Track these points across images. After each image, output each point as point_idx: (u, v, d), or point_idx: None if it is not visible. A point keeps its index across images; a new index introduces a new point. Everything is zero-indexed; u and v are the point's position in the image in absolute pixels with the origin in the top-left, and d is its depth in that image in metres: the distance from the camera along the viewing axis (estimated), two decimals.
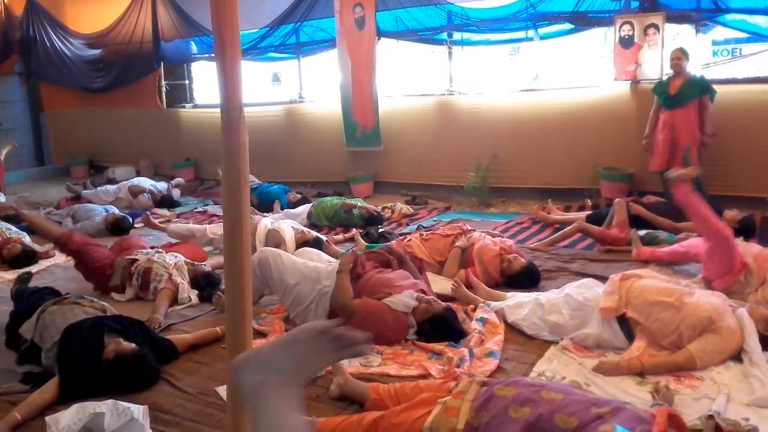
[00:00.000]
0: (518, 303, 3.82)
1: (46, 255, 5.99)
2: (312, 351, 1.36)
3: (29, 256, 5.79)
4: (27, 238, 6.11)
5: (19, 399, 3.10)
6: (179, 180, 9.13)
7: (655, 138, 6.31)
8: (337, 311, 3.74)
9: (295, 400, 1.32)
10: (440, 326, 3.61)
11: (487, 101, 7.82)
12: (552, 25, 7.39)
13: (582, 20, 7.10)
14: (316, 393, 3.10)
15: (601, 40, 7.86)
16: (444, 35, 8.06)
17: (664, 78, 6.38)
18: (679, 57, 6.09)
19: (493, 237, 4.97)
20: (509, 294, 4.10)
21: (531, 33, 7.50)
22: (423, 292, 3.84)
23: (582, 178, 7.06)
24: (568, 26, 7.30)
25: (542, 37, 7.51)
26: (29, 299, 3.86)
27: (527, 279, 4.43)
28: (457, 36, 8.06)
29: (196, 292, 4.70)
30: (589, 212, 6.20)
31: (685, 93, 6.05)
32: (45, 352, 3.37)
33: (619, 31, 6.74)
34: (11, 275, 5.44)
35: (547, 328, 3.57)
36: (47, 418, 2.79)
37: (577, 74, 8.30)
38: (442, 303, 3.74)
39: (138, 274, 4.74)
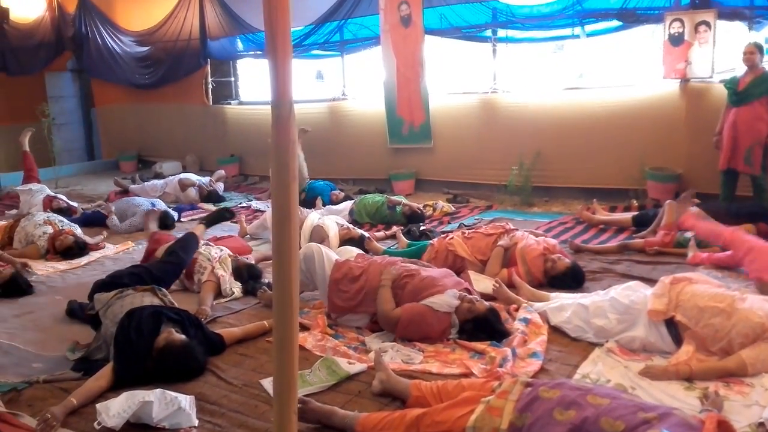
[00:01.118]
0: (561, 305, 3.77)
1: (97, 247, 6.15)
2: None
3: (80, 248, 5.96)
4: (78, 230, 6.29)
5: (71, 386, 3.20)
6: (220, 173, 9.25)
7: (723, 136, 6.08)
8: (380, 321, 3.76)
9: None
10: (483, 326, 3.60)
11: (531, 99, 7.74)
12: (599, 22, 7.28)
13: (630, 17, 6.97)
14: (358, 388, 3.12)
15: (649, 37, 7.69)
16: (488, 33, 8.00)
17: (734, 75, 6.06)
18: (753, 51, 5.74)
19: (537, 237, 4.93)
20: (552, 294, 4.06)
21: (577, 30, 7.40)
22: (467, 291, 3.83)
23: (628, 178, 6.93)
24: (615, 23, 7.18)
25: (589, 35, 7.40)
26: (123, 275, 4.02)
27: (571, 280, 4.38)
28: (501, 33, 7.99)
29: (239, 284, 4.77)
30: (635, 213, 6.10)
31: (751, 90, 5.74)
32: (105, 326, 3.51)
33: (669, 29, 6.59)
34: (64, 266, 5.63)
35: (592, 332, 3.53)
36: (98, 405, 2.88)
37: (622, 72, 8.13)
38: (486, 303, 3.72)
39: None
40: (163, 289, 3.96)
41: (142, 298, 3.68)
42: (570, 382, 2.56)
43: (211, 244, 5.16)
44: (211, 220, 5.19)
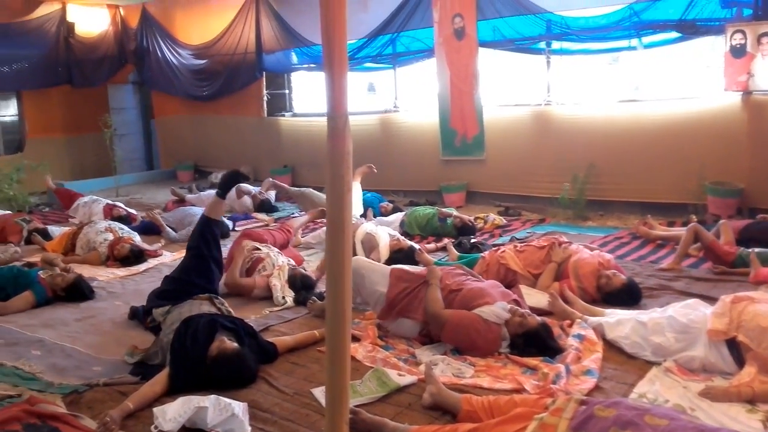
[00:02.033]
0: (619, 320, 3.69)
1: (155, 254, 6.32)
2: None
3: (137, 255, 6.12)
4: (137, 238, 6.48)
5: (129, 390, 3.28)
6: (268, 181, 9.25)
7: None
8: (429, 321, 3.75)
9: None
10: (534, 342, 3.54)
11: (586, 112, 7.62)
12: (657, 34, 7.13)
13: (690, 28, 6.80)
14: (408, 401, 3.12)
15: (708, 49, 7.49)
16: (542, 44, 7.93)
17: None
18: None
19: (591, 251, 4.83)
20: (607, 311, 3.98)
21: (634, 42, 7.26)
22: (517, 303, 3.79)
23: (686, 193, 6.74)
24: (673, 35, 7.02)
25: (646, 46, 7.25)
26: (182, 288, 4.03)
27: (627, 297, 4.27)
28: (555, 45, 7.91)
29: (292, 293, 4.84)
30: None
31: None
32: (164, 331, 3.62)
33: (730, 40, 6.40)
34: (123, 272, 5.81)
35: (650, 349, 3.44)
36: (155, 410, 2.95)
37: (680, 84, 7.94)
38: (538, 318, 3.67)
39: (250, 260, 5.09)
40: (220, 298, 4.05)
41: (200, 307, 3.76)
42: (626, 402, 2.50)
43: (280, 252, 5.34)
44: (224, 184, 4.42)
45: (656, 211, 6.76)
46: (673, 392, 3.08)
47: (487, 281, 4.05)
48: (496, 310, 3.62)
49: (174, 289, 4.03)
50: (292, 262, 5.27)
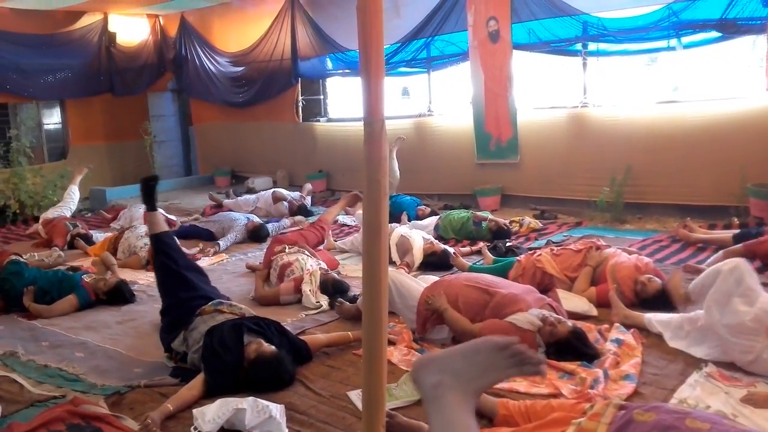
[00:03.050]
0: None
1: (194, 258, 6.42)
2: (490, 363, 1.46)
3: None
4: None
5: (169, 391, 3.35)
6: (308, 186, 9.44)
7: None
8: (460, 338, 3.72)
9: (470, 405, 1.41)
10: (567, 350, 3.47)
11: (623, 113, 7.52)
12: (696, 34, 6.99)
13: (730, 28, 6.66)
14: None
15: (749, 48, 7.33)
16: (578, 46, 7.85)
17: None
18: None
19: (630, 254, 4.76)
20: (646, 315, 3.92)
21: (673, 42, 7.14)
22: (552, 308, 3.73)
23: (728, 195, 6.59)
24: (714, 34, 6.88)
25: (685, 47, 7.12)
26: (178, 310, 3.92)
27: (662, 302, 4.14)
28: (592, 47, 7.82)
29: (326, 298, 4.87)
30: (736, 231, 5.78)
31: None
32: (190, 354, 3.60)
33: None
34: None
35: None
36: (194, 411, 3.01)
37: (720, 85, 7.78)
38: (569, 324, 3.55)
39: (276, 265, 5.15)
40: (230, 303, 3.98)
41: (214, 318, 3.70)
42: (667, 406, 2.45)
43: (308, 254, 5.35)
44: (143, 197, 4.27)
45: (696, 214, 6.63)
46: (715, 398, 3.02)
47: (521, 286, 4.00)
48: (529, 317, 3.56)
49: (173, 317, 3.87)
50: (323, 265, 5.27)
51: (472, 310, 3.79)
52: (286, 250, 5.36)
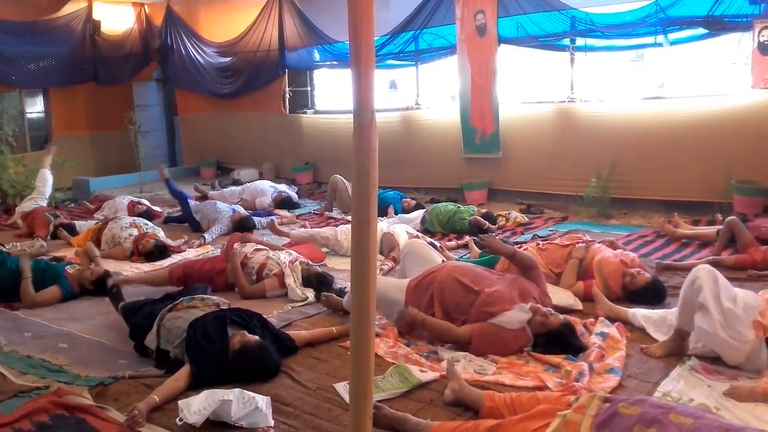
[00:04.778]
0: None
1: (178, 249, 6.39)
2: None
3: (162, 251, 6.19)
4: (161, 234, 6.55)
5: (154, 383, 3.33)
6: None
7: None
8: (451, 343, 3.71)
9: None
10: (557, 340, 3.51)
11: (610, 109, 7.56)
12: (683, 30, 7.04)
13: (717, 25, 6.71)
14: (430, 397, 3.12)
15: (735, 45, 7.39)
16: (566, 41, 7.87)
17: None
18: None
19: (615, 249, 4.80)
20: (630, 310, 3.96)
21: (660, 38, 7.18)
22: (536, 299, 3.73)
23: (712, 191, 6.66)
24: (700, 31, 6.92)
25: (672, 43, 7.16)
26: (141, 313, 3.96)
27: (652, 296, 4.22)
28: (580, 42, 7.85)
29: (311, 290, 4.85)
30: (720, 227, 5.84)
31: None
32: (173, 350, 3.55)
33: (758, 37, 6.32)
34: (148, 267, 5.88)
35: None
36: (180, 402, 2.99)
37: (706, 82, 7.84)
38: (560, 317, 3.62)
39: (252, 273, 5.02)
40: (201, 295, 3.98)
41: (190, 312, 3.67)
42: (651, 399, 2.48)
43: (278, 251, 5.27)
44: (113, 301, 4.54)
45: (681, 210, 6.68)
46: (698, 391, 3.05)
47: (508, 278, 3.98)
48: (515, 314, 3.56)
49: (141, 324, 3.86)
50: (295, 255, 5.21)
51: (457, 309, 3.77)
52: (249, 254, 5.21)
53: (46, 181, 8.13)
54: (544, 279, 4.00)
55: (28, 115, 11.72)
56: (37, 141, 11.71)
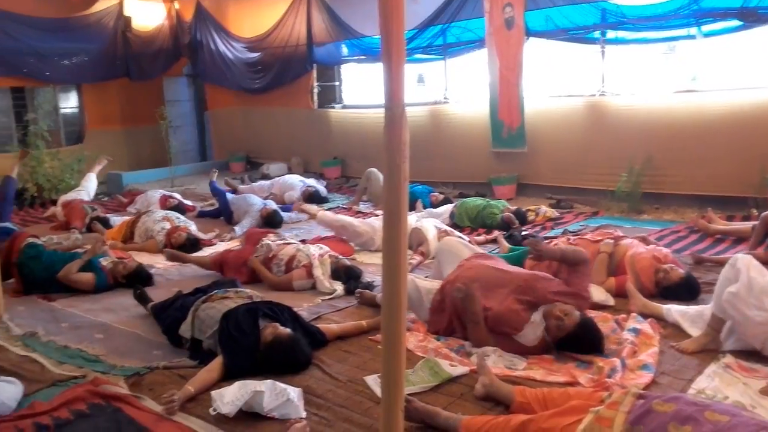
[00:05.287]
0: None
1: (209, 242, 6.47)
2: None
3: (194, 243, 6.27)
4: (193, 227, 6.64)
5: (188, 373, 3.38)
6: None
7: None
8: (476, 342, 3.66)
9: None
10: (576, 343, 3.40)
11: (641, 102, 7.45)
12: (717, 22, 6.90)
13: (752, 16, 6.56)
14: (460, 391, 3.12)
15: None
16: (596, 34, 7.77)
17: None
18: None
19: (647, 245, 4.74)
20: (665, 306, 3.91)
21: (693, 30, 7.05)
22: (561, 294, 3.60)
23: (747, 186, 6.53)
24: (735, 23, 6.78)
25: (706, 35, 7.03)
26: (173, 307, 4.06)
27: (686, 291, 4.16)
28: (611, 34, 7.74)
29: (340, 283, 4.88)
30: (755, 222, 5.73)
31: None
32: (206, 341, 3.61)
33: None
34: None
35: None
36: (213, 393, 3.04)
37: (740, 74, 7.67)
38: (577, 316, 3.41)
39: (281, 264, 5.09)
40: (235, 288, 4.05)
41: (224, 303, 3.73)
42: (686, 397, 2.46)
43: (307, 244, 5.36)
44: (140, 301, 4.63)
45: (715, 205, 6.57)
46: (733, 389, 3.00)
47: (515, 281, 3.77)
48: (529, 335, 3.46)
49: (173, 318, 3.95)
50: (325, 249, 5.25)
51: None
52: (272, 240, 5.32)
53: (91, 181, 8.52)
54: (589, 275, 3.88)
55: (63, 111, 11.94)
56: (71, 136, 11.94)
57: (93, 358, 3.73)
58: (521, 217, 6.57)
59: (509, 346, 3.51)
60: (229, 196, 7.82)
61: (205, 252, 6.20)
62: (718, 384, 3.04)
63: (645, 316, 3.86)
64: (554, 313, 3.42)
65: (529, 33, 7.96)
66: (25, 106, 11.14)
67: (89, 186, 8.43)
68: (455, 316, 3.78)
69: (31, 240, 5.40)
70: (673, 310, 3.84)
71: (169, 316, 3.99)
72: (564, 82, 8.73)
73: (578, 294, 3.68)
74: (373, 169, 8.22)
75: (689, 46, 7.50)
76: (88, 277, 5.04)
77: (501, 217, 6.53)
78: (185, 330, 3.76)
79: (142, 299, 4.55)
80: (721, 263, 4.60)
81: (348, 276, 4.93)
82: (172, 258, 5.75)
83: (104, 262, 5.26)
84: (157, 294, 4.95)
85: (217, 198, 7.93)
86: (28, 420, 2.94)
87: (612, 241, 4.65)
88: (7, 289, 4.89)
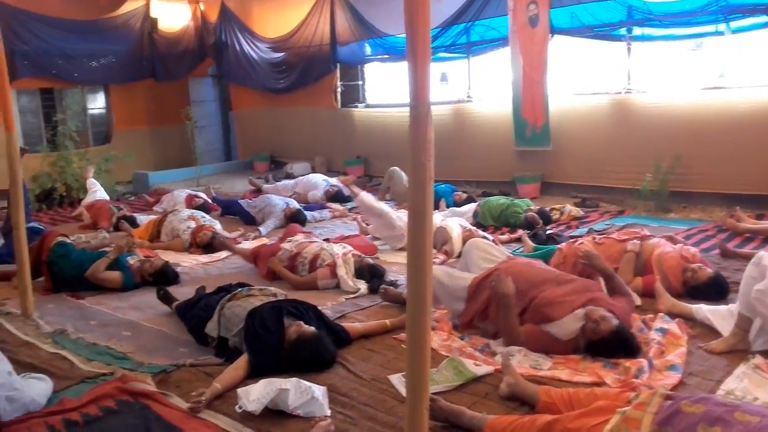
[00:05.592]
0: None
1: (234, 241, 6.51)
2: None
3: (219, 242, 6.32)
4: (218, 226, 6.70)
5: (214, 371, 3.41)
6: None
7: None
8: (504, 337, 3.65)
9: None
10: (607, 349, 3.34)
11: (668, 100, 7.35)
12: (745, 18, 6.78)
13: None
14: (485, 390, 3.11)
15: None
16: (622, 31, 7.69)
17: None
18: None
19: (674, 244, 4.67)
20: (694, 306, 3.85)
21: (721, 27, 6.93)
22: (597, 301, 3.57)
23: None
24: (763, 19, 6.65)
25: (734, 31, 6.91)
26: (198, 306, 4.09)
27: (714, 291, 4.10)
28: (637, 31, 7.65)
29: (364, 282, 4.89)
30: None
31: None
32: (231, 339, 3.65)
33: None
34: (206, 258, 6.03)
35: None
36: (238, 391, 3.06)
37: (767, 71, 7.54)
38: (614, 322, 3.37)
39: (305, 263, 5.12)
40: (259, 286, 4.11)
41: (249, 301, 3.77)
42: (715, 398, 2.42)
43: (331, 243, 5.38)
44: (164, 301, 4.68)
45: (743, 203, 6.46)
46: (763, 390, 2.96)
47: (570, 281, 3.80)
48: (568, 324, 3.43)
49: (199, 317, 3.98)
50: (349, 248, 5.25)
51: (517, 305, 3.68)
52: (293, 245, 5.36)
53: (95, 184, 8.72)
54: (631, 306, 3.77)
55: (90, 111, 12.14)
56: (99, 136, 12.13)
57: (121, 356, 3.78)
58: (545, 217, 6.52)
59: (539, 339, 3.47)
60: (244, 201, 7.89)
61: None
62: (748, 385, 3.00)
63: (673, 315, 3.82)
64: (594, 315, 3.38)
65: (554, 30, 7.90)
66: (54, 107, 11.34)
67: (99, 188, 8.57)
68: (491, 302, 3.76)
69: (60, 239, 5.48)
70: (704, 308, 3.79)
71: (194, 315, 4.02)
72: (589, 79, 8.65)
73: (627, 313, 3.63)
74: (396, 168, 8.22)
75: (717, 42, 7.38)
76: (115, 275, 5.12)
77: (524, 217, 6.49)
78: (212, 329, 3.79)
79: (166, 299, 4.60)
80: (748, 258, 4.55)
81: (372, 275, 4.94)
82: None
83: (131, 260, 5.33)
84: (183, 292, 5.00)
85: (231, 207, 7.95)
86: (57, 416, 2.98)
87: (638, 240, 4.60)
88: (37, 287, 4.97)
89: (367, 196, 6.45)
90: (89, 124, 12.02)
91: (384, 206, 6.35)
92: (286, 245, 5.37)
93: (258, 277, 5.32)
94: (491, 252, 4.33)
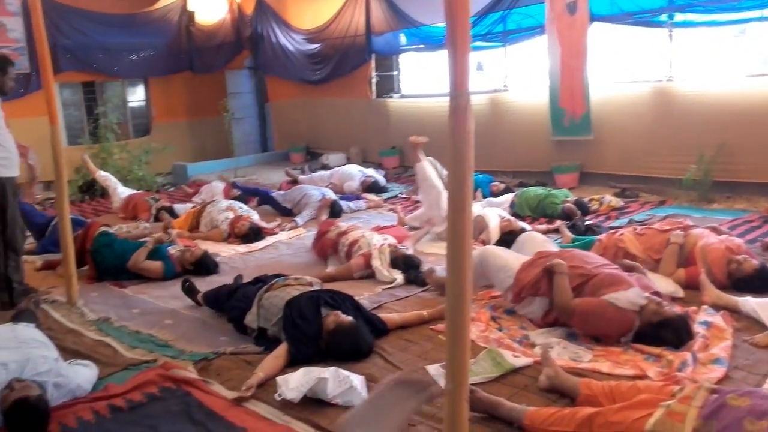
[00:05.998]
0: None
1: (272, 232, 6.59)
2: (393, 401, 1.80)
3: (256, 233, 6.40)
4: (255, 216, 6.78)
5: (254, 359, 3.46)
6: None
7: None
8: (557, 312, 3.64)
9: None
10: (667, 332, 3.29)
11: (711, 88, 7.16)
12: None
13: None
14: (524, 382, 3.09)
15: None
16: (664, 17, 7.51)
17: None
18: None
19: (719, 235, 4.56)
20: (740, 299, 3.76)
21: (766, 12, 6.73)
22: (657, 294, 3.54)
23: None
24: None
25: None
26: (236, 297, 4.11)
27: (760, 283, 3.99)
28: (679, 17, 7.46)
29: (399, 272, 4.89)
30: None
31: None
32: (270, 328, 3.69)
33: None
34: (244, 249, 6.10)
35: None
36: (278, 379, 3.10)
37: None
38: (676, 309, 3.39)
39: (344, 246, 5.20)
40: (294, 276, 4.15)
41: (286, 291, 3.81)
42: (761, 391, 2.37)
43: (373, 232, 5.41)
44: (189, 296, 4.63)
45: None
46: None
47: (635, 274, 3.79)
48: (631, 296, 3.38)
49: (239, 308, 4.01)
50: (392, 240, 5.26)
51: (571, 281, 3.64)
52: (346, 230, 5.43)
53: (105, 175, 8.65)
54: None
55: (130, 104, 12.36)
56: (139, 128, 12.34)
57: (163, 343, 3.85)
58: (583, 208, 6.43)
59: (595, 309, 3.42)
60: (277, 193, 7.92)
61: (268, 241, 6.34)
62: None
63: (718, 308, 3.73)
64: (655, 299, 3.41)
65: (593, 17, 7.76)
66: (95, 100, 11.59)
67: (113, 180, 8.53)
68: (542, 276, 3.74)
69: (103, 229, 5.61)
70: (751, 301, 3.69)
71: (234, 307, 4.06)
72: (630, 67, 8.49)
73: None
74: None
75: (761, 28, 7.16)
76: (156, 265, 5.21)
77: (562, 208, 6.41)
78: (251, 320, 3.83)
79: (191, 292, 4.57)
80: None
81: (407, 265, 4.94)
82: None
83: (172, 250, 5.42)
84: (223, 281, 5.07)
85: (261, 197, 7.96)
86: (103, 402, 3.07)
87: (681, 231, 4.50)
88: (81, 276, 5.09)
89: (425, 165, 6.39)
90: (129, 117, 12.24)
91: (439, 184, 6.23)
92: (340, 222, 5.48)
93: (293, 267, 5.34)
94: (547, 247, 4.31)
